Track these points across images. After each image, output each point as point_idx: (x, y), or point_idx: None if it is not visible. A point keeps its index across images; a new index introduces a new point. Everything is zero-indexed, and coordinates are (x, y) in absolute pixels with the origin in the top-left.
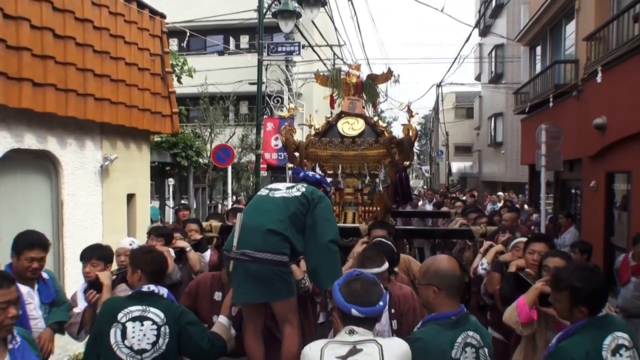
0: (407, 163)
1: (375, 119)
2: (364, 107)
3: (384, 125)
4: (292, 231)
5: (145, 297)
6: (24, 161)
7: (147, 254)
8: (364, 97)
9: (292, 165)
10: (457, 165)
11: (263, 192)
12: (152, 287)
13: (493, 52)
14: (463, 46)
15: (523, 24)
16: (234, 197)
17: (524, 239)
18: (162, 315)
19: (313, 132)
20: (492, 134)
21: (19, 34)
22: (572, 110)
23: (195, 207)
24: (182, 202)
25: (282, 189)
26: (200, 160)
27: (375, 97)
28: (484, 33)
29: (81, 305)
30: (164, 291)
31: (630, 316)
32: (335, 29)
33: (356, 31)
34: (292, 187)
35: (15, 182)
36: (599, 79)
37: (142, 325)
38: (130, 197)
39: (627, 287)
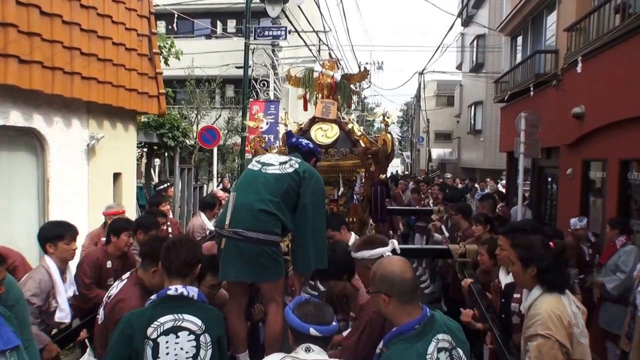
0: (384, 176)
1: (350, 126)
2: (339, 110)
3: (359, 134)
4: (282, 209)
5: (174, 302)
6: (9, 138)
7: (171, 243)
8: (339, 98)
9: None
10: (437, 152)
11: (255, 166)
12: (180, 287)
13: (475, 42)
14: (446, 35)
15: (505, 15)
16: (219, 179)
17: None
18: (199, 322)
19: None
20: (472, 122)
21: (5, 10)
22: (551, 99)
23: (180, 187)
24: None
25: (275, 164)
26: (187, 141)
27: (350, 97)
28: (466, 23)
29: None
30: (194, 292)
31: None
32: (321, 15)
33: (342, 18)
34: (286, 162)
35: (0, 159)
36: (578, 69)
37: (177, 337)
38: (117, 176)
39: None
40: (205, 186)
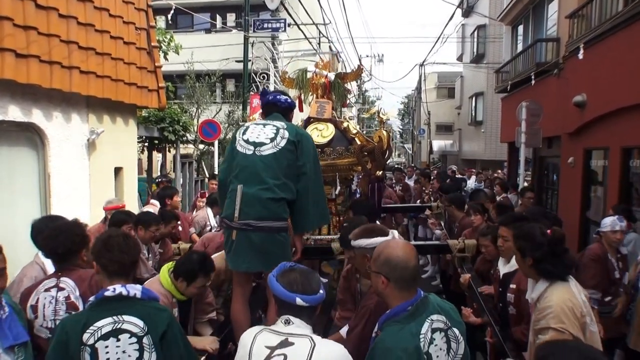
0: (380, 173)
1: (346, 124)
2: (334, 109)
3: (355, 132)
4: (288, 187)
5: (113, 304)
6: (9, 133)
7: (106, 240)
8: (333, 97)
9: None
10: (438, 144)
11: (248, 149)
12: (119, 287)
13: (475, 32)
14: (446, 25)
15: (506, 4)
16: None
17: None
18: (140, 323)
19: None
20: (473, 113)
21: (0, 3)
22: (552, 88)
23: (182, 182)
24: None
25: (266, 142)
26: (188, 135)
27: (345, 96)
28: (466, 13)
29: None
30: (135, 290)
31: None
32: (321, 7)
33: (341, 10)
34: (275, 136)
35: (1, 154)
36: (580, 56)
37: (118, 341)
38: (118, 171)
39: None
40: (206, 179)
